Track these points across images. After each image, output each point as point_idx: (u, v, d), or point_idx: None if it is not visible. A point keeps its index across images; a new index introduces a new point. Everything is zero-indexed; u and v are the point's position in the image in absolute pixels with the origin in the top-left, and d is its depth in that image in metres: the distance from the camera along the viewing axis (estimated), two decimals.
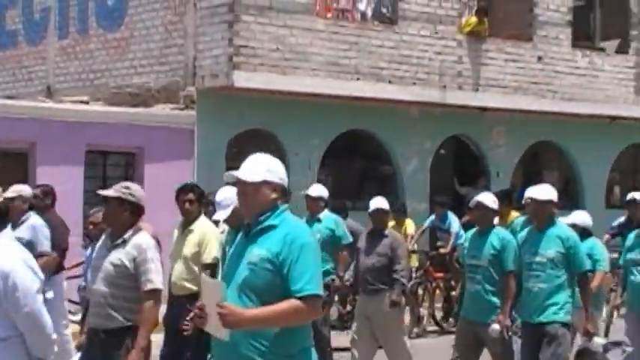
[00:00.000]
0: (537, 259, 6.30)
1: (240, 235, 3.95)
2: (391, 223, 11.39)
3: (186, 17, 13.46)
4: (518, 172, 17.00)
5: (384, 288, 7.66)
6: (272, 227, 3.78)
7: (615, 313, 8.36)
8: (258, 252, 3.73)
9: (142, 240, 5.15)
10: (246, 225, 3.89)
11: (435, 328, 11.41)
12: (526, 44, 15.84)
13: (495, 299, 6.53)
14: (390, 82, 14.15)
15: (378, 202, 7.96)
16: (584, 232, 7.64)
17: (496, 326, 6.41)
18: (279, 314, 3.63)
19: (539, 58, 15.94)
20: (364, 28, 14.15)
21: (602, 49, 17.21)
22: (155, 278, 5.08)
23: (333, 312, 9.27)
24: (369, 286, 7.77)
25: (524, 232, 6.66)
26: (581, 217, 8.08)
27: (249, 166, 3.86)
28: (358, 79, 13.83)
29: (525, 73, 15.78)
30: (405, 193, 15.04)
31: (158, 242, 6.40)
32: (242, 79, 12.68)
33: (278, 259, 3.70)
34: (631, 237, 7.50)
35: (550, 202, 6.42)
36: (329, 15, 14.24)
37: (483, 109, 15.61)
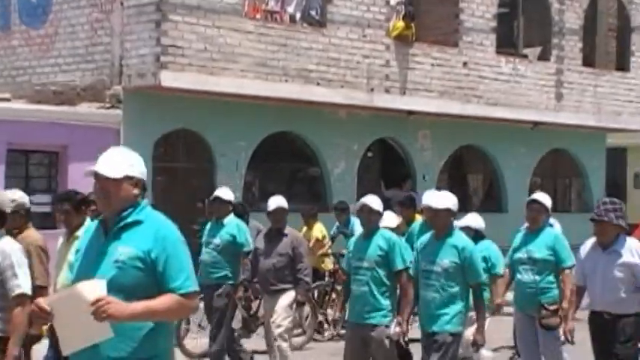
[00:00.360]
0: (434, 267, 6.20)
1: (93, 231, 3.75)
2: (304, 229, 11.37)
3: (113, 15, 13.28)
4: (444, 176, 17.26)
5: (287, 287, 7.66)
6: (137, 223, 3.65)
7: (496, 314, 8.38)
8: (125, 250, 3.58)
9: (5, 245, 4.94)
10: (102, 221, 3.71)
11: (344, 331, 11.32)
12: (452, 49, 16.10)
13: (383, 301, 6.48)
14: (318, 84, 14.21)
15: (278, 201, 7.89)
16: (477, 235, 7.67)
17: (397, 329, 6.38)
18: (165, 308, 3.55)
19: (465, 64, 16.23)
20: (293, 30, 14.19)
21: (525, 56, 17.62)
22: (23, 283, 4.88)
23: (238, 318, 9.13)
24: (270, 286, 7.71)
25: (424, 238, 6.51)
26: (474, 219, 8.04)
27: (108, 160, 3.70)
28: (286, 80, 13.85)
29: (451, 78, 16.03)
30: (332, 195, 15.12)
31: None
32: (169, 79, 12.57)
33: (149, 256, 3.58)
34: (518, 236, 7.42)
35: (447, 210, 6.26)
36: (258, 16, 14.23)
37: (410, 113, 15.81)
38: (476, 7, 16.32)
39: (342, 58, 14.50)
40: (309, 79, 14.10)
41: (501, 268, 7.79)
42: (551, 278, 7.12)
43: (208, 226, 8.65)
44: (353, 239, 6.95)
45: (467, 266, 6.17)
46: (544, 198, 7.36)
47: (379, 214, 6.70)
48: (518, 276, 7.21)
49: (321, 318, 10.79)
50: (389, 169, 16.58)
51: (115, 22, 13.22)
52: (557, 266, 7.11)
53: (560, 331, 6.81)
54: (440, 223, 6.30)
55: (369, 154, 16.21)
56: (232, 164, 14.08)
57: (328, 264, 11.77)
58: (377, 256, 6.51)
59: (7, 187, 11.66)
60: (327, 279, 11.60)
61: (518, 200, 17.90)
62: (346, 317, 7.30)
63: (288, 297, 7.72)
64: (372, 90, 14.91)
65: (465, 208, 16.52)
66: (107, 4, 13.36)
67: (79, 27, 13.81)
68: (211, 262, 8.34)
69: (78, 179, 12.19)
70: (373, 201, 6.69)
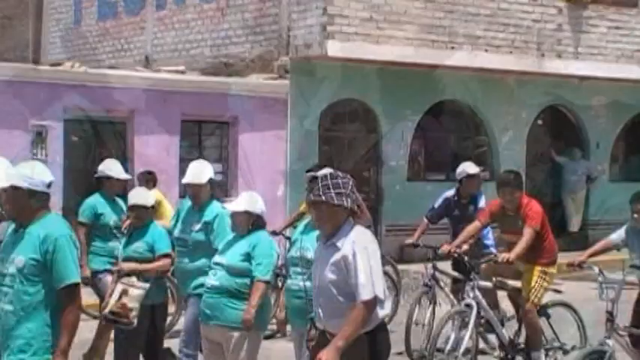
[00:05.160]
0: (8, 269, 4.25)
1: None
2: None
3: None
4: (620, 143, 16.47)
5: None
6: None
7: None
8: None
9: None
10: None
11: None
12: (630, 10, 15.26)
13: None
14: (486, 50, 13.86)
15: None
16: (257, 222, 5.67)
17: None
18: None
19: None
20: None
21: None
22: None
23: None
24: None
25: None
26: (250, 201, 5.71)
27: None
28: (453, 47, 13.59)
29: (629, 41, 15.22)
30: (500, 165, 14.77)
31: None
32: (335, 49, 12.62)
33: None
34: (298, 230, 5.59)
35: (15, 189, 4.22)
36: None
37: (583, 78, 15.16)
38: None
39: (511, 23, 14.05)
40: (476, 45, 13.77)
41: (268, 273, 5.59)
42: None
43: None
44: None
45: (50, 263, 4.18)
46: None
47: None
48: (288, 281, 5.45)
49: None
50: (560, 136, 16.00)
51: None
52: None
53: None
54: (8, 204, 4.31)
55: (539, 122, 15.69)
56: (398, 133, 14.01)
57: None
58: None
59: (182, 156, 12.18)
60: None
61: None
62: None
63: None
64: (543, 55, 14.38)
65: None
66: None
67: None
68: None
69: (248, 148, 12.56)
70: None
